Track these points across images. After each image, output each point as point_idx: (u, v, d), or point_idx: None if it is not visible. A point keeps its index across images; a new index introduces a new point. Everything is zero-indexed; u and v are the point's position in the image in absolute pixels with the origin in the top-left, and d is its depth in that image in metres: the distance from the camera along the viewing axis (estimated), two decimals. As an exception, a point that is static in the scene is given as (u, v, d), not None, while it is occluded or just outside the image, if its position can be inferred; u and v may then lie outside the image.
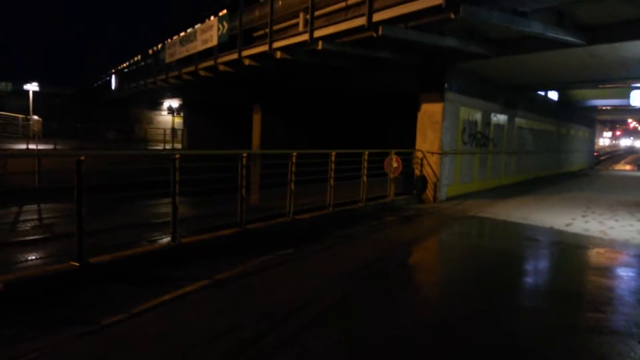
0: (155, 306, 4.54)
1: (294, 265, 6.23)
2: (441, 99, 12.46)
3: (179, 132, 32.22)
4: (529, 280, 6.33)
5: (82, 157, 5.03)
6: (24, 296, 4.59)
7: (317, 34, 10.84)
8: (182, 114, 35.63)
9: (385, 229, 8.95)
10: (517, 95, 17.53)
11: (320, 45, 10.82)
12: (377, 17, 9.08)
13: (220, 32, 15.24)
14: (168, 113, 37.15)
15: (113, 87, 32.86)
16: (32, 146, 24.22)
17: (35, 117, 28.74)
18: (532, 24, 8.99)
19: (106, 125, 33.45)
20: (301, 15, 12.00)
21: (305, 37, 11.12)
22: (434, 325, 4.44)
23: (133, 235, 6.57)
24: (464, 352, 3.91)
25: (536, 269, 6.97)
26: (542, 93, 21.06)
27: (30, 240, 8.81)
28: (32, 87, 32.45)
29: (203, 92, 24.73)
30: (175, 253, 6.05)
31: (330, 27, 10.47)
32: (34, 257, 7.33)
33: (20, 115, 28.67)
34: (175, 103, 36.10)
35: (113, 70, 34.44)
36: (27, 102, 32.51)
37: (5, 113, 29.38)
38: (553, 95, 22.32)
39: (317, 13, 11.25)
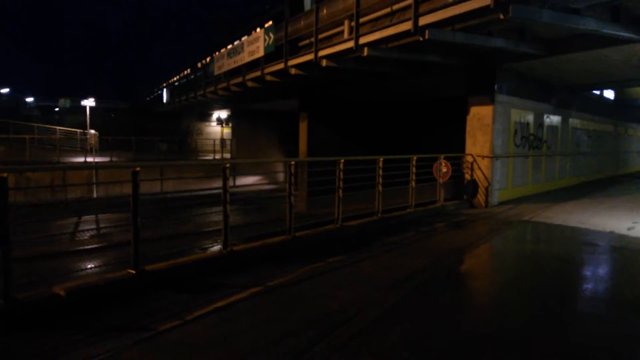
0: (209, 313, 4.62)
1: (344, 272, 6.20)
2: (491, 101, 12.16)
3: (228, 142, 32.88)
4: (589, 287, 6.03)
5: (138, 169, 5.21)
6: (84, 303, 4.76)
7: (363, 40, 10.83)
8: (230, 124, 36.36)
9: (436, 235, 8.78)
10: (571, 95, 16.87)
11: (365, 51, 10.80)
12: (423, 20, 8.98)
13: (266, 43, 15.49)
14: (217, 124, 37.99)
15: (164, 100, 33.96)
16: (89, 159, 25.33)
17: (92, 131, 30.05)
18: (585, 21, 8.64)
19: (158, 137, 34.58)
20: (346, 22, 12.02)
21: (351, 44, 11.14)
22: (489, 334, 4.30)
23: (186, 243, 6.72)
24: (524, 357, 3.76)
25: (596, 275, 6.64)
26: (597, 92, 20.20)
27: (89, 249, 9.19)
28: (89, 102, 34.00)
29: (250, 103, 25.18)
30: (227, 261, 6.15)
31: (375, 33, 10.45)
32: (92, 265, 7.63)
33: (78, 130, 30.08)
34: (223, 114, 36.92)
35: (164, 84, 35.63)
36: (84, 117, 34.08)
37: (64, 128, 30.89)
38: (609, 94, 21.38)
39: (362, 20, 11.26)
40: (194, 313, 4.59)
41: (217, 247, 6.36)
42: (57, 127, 30.14)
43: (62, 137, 28.84)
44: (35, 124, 29.65)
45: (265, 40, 15.86)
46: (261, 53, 15.95)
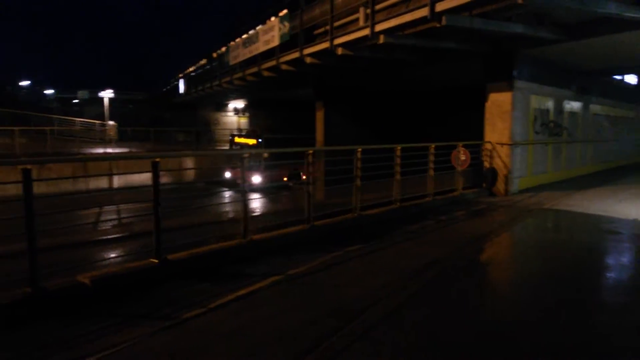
0: (231, 301, 4.67)
1: (363, 261, 6.21)
2: (510, 87, 11.99)
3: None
4: (612, 275, 5.96)
5: (158, 159, 5.26)
6: (108, 291, 4.85)
7: (378, 27, 10.75)
8: (247, 114, 36.44)
9: (455, 223, 8.73)
10: (591, 81, 16.55)
11: (381, 39, 10.72)
12: (440, 6, 8.87)
13: (281, 32, 15.46)
14: (234, 114, 38.10)
15: (181, 90, 34.15)
16: (109, 150, 25.63)
17: (111, 122, 30.37)
18: (606, 5, 8.46)
19: (175, 127, 34.82)
20: (361, 10, 11.92)
21: (366, 31, 11.06)
22: (511, 323, 4.28)
23: (206, 232, 6.79)
24: (547, 350, 3.74)
25: (620, 263, 6.55)
26: (619, 77, 19.78)
27: (112, 238, 9.34)
28: (107, 94, 34.34)
29: (267, 92, 25.21)
30: (247, 250, 6.21)
31: (391, 20, 10.35)
32: (115, 255, 7.76)
33: (97, 121, 30.44)
34: (240, 104, 36.99)
35: (180, 75, 35.80)
36: (103, 109, 34.46)
37: (84, 119, 31.27)
38: (631, 79, 20.91)
39: (377, 7, 11.16)
40: (216, 301, 4.64)
41: (236, 237, 6.39)
42: (77, 119, 30.53)
43: (81, 128, 29.20)
44: (55, 116, 30.06)
45: (280, 29, 15.82)
46: (276, 42, 15.92)
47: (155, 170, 5.23)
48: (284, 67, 15.93)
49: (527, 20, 9.97)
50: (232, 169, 19.63)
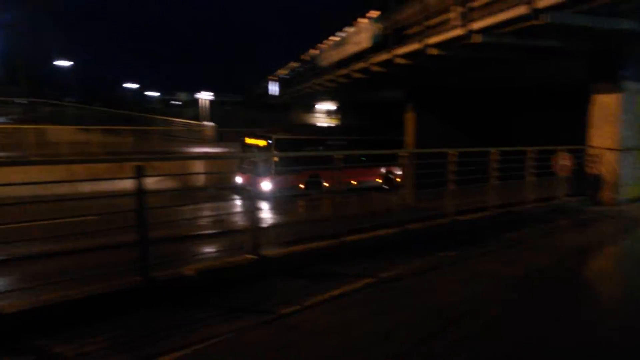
0: (325, 300, 4.78)
1: (457, 268, 6.09)
2: (618, 88, 11.12)
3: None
4: None
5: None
6: (209, 284, 5.14)
7: (474, 26, 10.46)
8: (336, 116, 36.80)
9: (557, 233, 8.28)
10: None
11: (476, 38, 10.42)
12: (540, 3, 8.47)
13: (372, 33, 15.49)
14: (324, 115, 38.63)
15: (272, 93, 35.23)
16: (207, 149, 26.93)
17: (210, 123, 31.91)
18: None
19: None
20: (455, 9, 11.64)
21: (461, 31, 10.80)
22: (616, 342, 4.00)
23: (300, 231, 6.97)
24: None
25: None
26: None
27: (212, 233, 9.83)
28: (204, 96, 36.16)
29: (356, 93, 25.31)
30: (340, 250, 6.31)
31: (487, 18, 10.03)
32: (215, 249, 8.18)
33: (195, 122, 32.17)
34: (329, 105, 37.46)
35: (271, 77, 36.95)
36: (200, 110, 36.37)
37: (183, 120, 33.18)
38: None
39: (472, 5, 10.85)
40: (311, 300, 4.77)
41: (330, 237, 6.50)
42: (177, 119, 32.44)
43: (182, 128, 30.98)
44: (157, 117, 32.17)
45: (370, 30, 15.86)
46: (367, 44, 15.98)
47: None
48: (374, 68, 15.92)
49: (637, 15, 9.21)
50: (242, 173, 18.54)
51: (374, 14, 16.41)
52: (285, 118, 37.74)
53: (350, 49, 17.51)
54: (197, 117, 34.83)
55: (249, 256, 5.53)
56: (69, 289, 4.41)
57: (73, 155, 20.38)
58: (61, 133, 22.61)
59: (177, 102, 54.08)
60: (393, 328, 4.10)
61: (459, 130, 19.21)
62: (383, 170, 21.30)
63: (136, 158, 4.60)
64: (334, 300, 4.82)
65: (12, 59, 36.62)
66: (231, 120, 34.39)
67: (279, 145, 18.66)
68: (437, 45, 12.02)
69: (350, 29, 17.92)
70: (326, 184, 18.00)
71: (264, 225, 6.03)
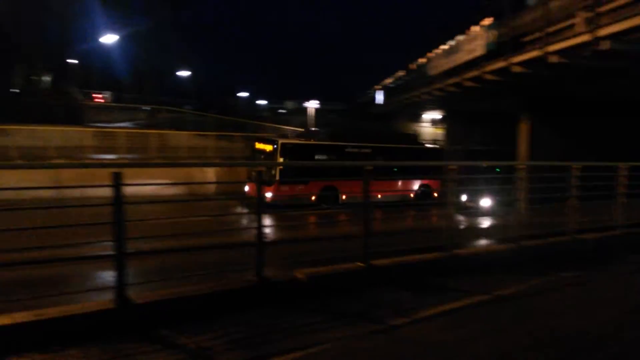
0: (436, 315, 4.65)
1: (580, 290, 5.66)
2: None
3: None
4: None
5: (370, 167, 5.55)
6: (319, 288, 5.20)
7: (601, 32, 9.78)
8: (442, 126, 35.99)
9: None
10: None
11: (605, 44, 9.72)
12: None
13: (487, 41, 15.00)
14: (432, 125, 37.97)
15: (378, 101, 35.29)
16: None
17: (315, 129, 32.84)
18: None
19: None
20: (580, 14, 10.94)
21: (587, 37, 10.15)
22: None
23: (408, 242, 6.89)
24: None
25: None
26: None
27: (321, 237, 9.94)
28: (312, 104, 37.16)
29: (465, 103, 24.57)
30: (449, 263, 6.12)
31: (617, 24, 9.32)
32: (325, 255, 8.23)
33: (301, 129, 33.21)
34: (435, 115, 36.74)
35: (377, 87, 37.06)
36: (307, 118, 37.43)
37: (290, 127, 34.35)
38: None
39: (600, 10, 10.13)
40: (421, 313, 4.67)
41: (438, 249, 6.36)
42: (285, 127, 33.65)
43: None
44: (267, 124, 33.61)
45: (485, 37, 15.36)
46: (481, 51, 15.50)
47: (365, 181, 5.51)
48: (487, 76, 15.41)
49: None
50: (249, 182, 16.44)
51: (487, 21, 15.90)
52: (389, 127, 37.61)
53: (462, 57, 17.09)
54: (303, 125, 35.87)
55: (359, 264, 5.56)
56: (186, 285, 4.71)
57: (191, 159, 22.01)
58: (180, 138, 24.37)
59: (283, 110, 56.09)
60: (510, 350, 3.89)
61: (583, 145, 17.87)
62: (416, 184, 19.27)
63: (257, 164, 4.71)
64: (445, 315, 4.68)
65: (138, 67, 40.15)
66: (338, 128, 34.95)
67: (284, 151, 16.83)
68: (558, 52, 11.39)
69: (462, 37, 17.49)
70: (344, 197, 16.91)
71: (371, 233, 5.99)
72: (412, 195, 18.91)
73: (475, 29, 16.38)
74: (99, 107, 33.39)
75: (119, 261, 4.14)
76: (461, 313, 4.77)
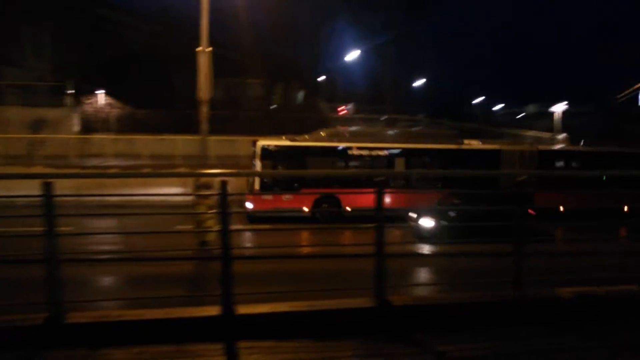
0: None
1: None
2: None
3: None
4: None
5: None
6: (588, 310, 4.62)
7: None
8: None
9: None
10: None
11: None
12: None
13: None
14: None
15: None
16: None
17: (562, 135, 29.69)
18: None
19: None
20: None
21: None
22: None
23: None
24: None
25: None
26: None
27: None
28: (559, 107, 33.56)
29: None
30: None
31: None
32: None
33: (547, 135, 30.34)
34: None
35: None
36: (551, 122, 34.11)
37: (531, 133, 31.82)
38: None
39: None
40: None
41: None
42: (524, 133, 31.35)
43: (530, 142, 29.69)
44: (506, 130, 31.73)
45: None
46: None
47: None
48: None
49: None
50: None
51: None
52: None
53: None
54: (550, 130, 32.87)
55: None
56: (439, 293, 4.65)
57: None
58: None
59: (522, 115, 52.36)
60: None
61: None
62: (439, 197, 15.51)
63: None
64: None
65: (378, 79, 42.24)
66: (587, 133, 31.18)
67: (265, 155, 14.48)
68: None
69: None
70: (348, 208, 14.45)
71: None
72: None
73: None
74: (343, 118, 36.17)
75: (378, 263, 4.35)
76: None
